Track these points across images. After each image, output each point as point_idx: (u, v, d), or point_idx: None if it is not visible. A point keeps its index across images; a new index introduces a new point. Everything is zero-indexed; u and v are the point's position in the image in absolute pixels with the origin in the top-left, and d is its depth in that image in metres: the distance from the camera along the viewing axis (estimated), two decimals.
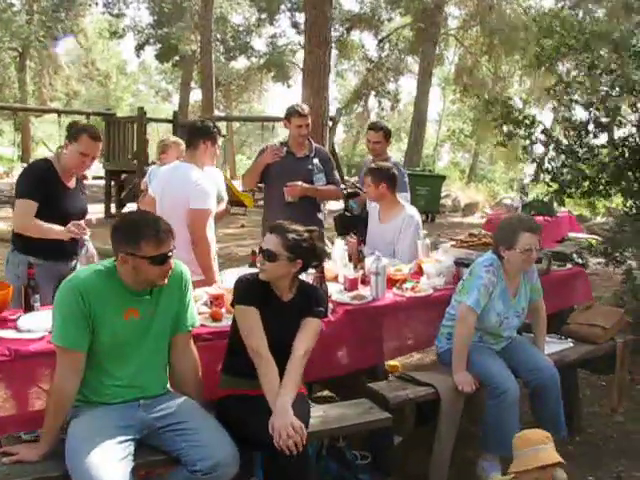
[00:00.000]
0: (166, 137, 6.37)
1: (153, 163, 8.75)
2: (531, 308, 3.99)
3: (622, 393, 4.49)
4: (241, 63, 32.98)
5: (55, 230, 3.84)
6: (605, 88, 6.12)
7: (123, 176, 15.61)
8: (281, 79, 30.42)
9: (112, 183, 15.44)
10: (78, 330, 2.70)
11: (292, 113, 5.23)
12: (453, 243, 4.72)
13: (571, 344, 4.28)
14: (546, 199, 7.35)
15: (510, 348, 3.93)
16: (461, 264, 4.31)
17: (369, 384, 3.64)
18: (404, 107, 35.27)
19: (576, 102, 6.15)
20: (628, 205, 6.29)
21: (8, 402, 2.85)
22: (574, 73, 6.93)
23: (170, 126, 15.75)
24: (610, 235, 6.55)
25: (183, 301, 2.99)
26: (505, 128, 6.86)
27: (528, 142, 6.74)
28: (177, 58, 27.78)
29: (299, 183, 5.11)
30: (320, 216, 5.56)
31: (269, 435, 2.71)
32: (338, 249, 4.50)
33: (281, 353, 2.99)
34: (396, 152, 36.43)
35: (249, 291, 3.05)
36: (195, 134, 4.36)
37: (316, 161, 5.32)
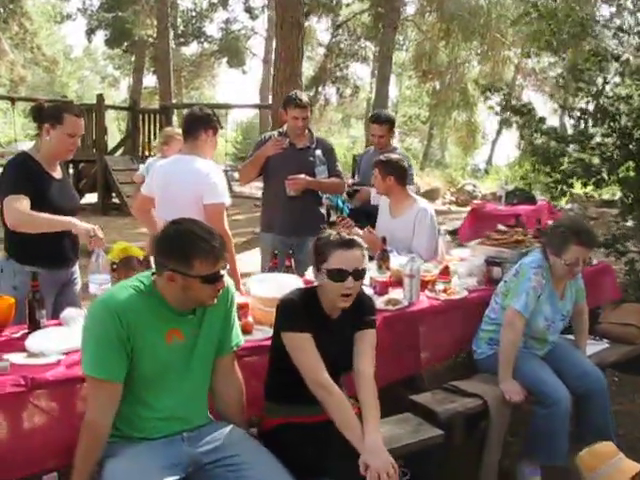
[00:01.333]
0: (170, 128, 5.91)
1: (147, 156, 8.29)
2: (574, 310, 3.75)
3: None
4: (192, 49, 32.22)
5: (61, 220, 3.35)
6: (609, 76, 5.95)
7: (81, 165, 14.95)
8: (236, 65, 29.82)
9: (70, 172, 14.74)
10: (115, 358, 2.32)
11: (289, 102, 4.85)
12: (480, 240, 4.43)
13: (607, 345, 4.07)
14: (538, 188, 7.16)
15: (553, 353, 3.68)
16: (492, 263, 4.05)
17: (412, 397, 3.35)
18: (354, 92, 34.99)
19: (583, 90, 5.91)
20: (621, 194, 6.11)
21: (25, 439, 2.46)
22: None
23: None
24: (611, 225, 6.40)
25: (229, 318, 2.63)
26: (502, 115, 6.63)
27: (527, 131, 6.53)
28: (127, 43, 26.91)
29: (302, 176, 4.77)
30: (322, 210, 5.24)
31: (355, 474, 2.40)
32: None
33: (336, 375, 2.68)
34: (346, 138, 36.26)
35: (300, 315, 2.67)
36: (195, 123, 3.97)
37: (318, 152, 4.96)
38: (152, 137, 15.22)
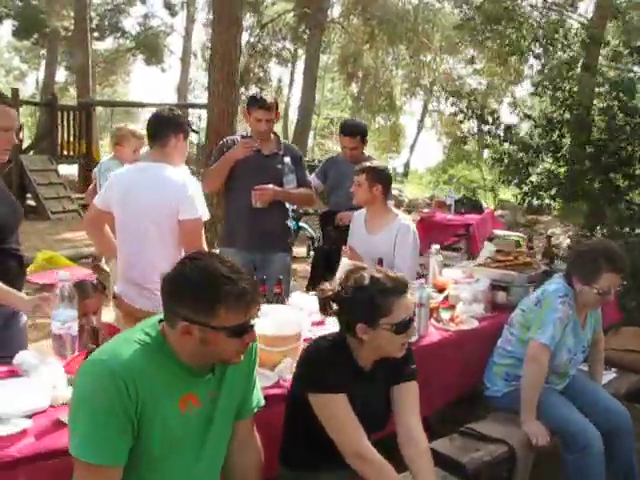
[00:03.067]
0: (122, 125, 5.25)
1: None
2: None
3: None
4: (107, 44, 30.90)
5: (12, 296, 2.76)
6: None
7: None
8: (154, 63, 28.78)
9: None
10: (118, 438, 1.77)
11: (252, 103, 4.38)
12: (482, 262, 4.08)
13: (615, 374, 3.80)
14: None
15: (572, 387, 3.36)
16: (497, 287, 3.71)
17: (430, 445, 2.95)
18: (276, 94, 34.61)
19: (558, 99, 5.70)
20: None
21: None
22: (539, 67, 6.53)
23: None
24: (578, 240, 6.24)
25: (252, 374, 2.15)
26: (467, 124, 6.37)
27: (492, 140, 6.29)
28: (37, 35, 25.46)
29: (270, 186, 4.30)
30: (289, 223, 4.80)
31: None
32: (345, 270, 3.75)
33: (368, 435, 2.25)
34: None
35: (332, 372, 2.22)
36: (163, 126, 3.42)
37: (287, 160, 4.51)
38: (71, 135, 14.33)
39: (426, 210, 9.03)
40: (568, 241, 9.90)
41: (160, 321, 1.93)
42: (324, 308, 2.38)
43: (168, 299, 1.86)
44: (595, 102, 5.70)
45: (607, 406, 3.30)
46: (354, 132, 5.06)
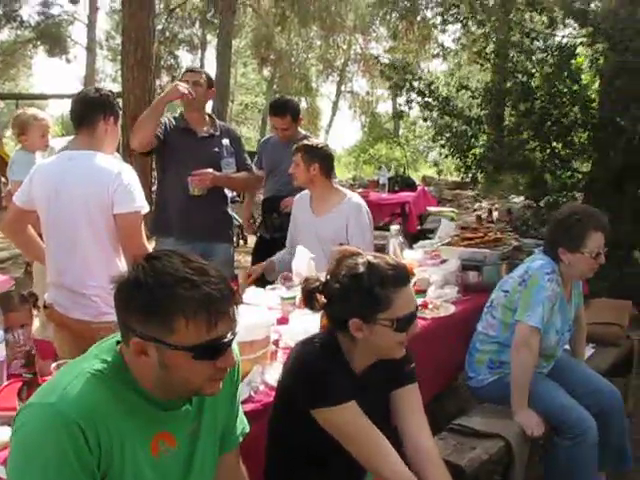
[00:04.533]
0: (21, 111, 4.64)
1: None
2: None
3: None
4: (4, 35, 29.21)
5: None
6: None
7: None
8: (58, 54, 27.37)
9: None
10: None
11: (185, 72, 4.05)
12: (448, 240, 3.81)
13: (593, 349, 3.61)
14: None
15: (559, 369, 3.14)
16: (468, 267, 3.45)
17: None
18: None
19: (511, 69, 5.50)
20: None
21: None
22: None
23: None
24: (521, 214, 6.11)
25: (235, 398, 1.77)
26: (405, 96, 6.11)
27: (429, 113, 6.05)
28: None
29: (209, 170, 3.91)
30: (230, 211, 4.41)
31: None
32: (302, 258, 3.42)
33: None
34: None
35: (338, 377, 1.89)
36: (91, 108, 2.95)
37: (226, 142, 4.13)
38: None
39: (360, 190, 8.77)
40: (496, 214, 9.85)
41: (117, 343, 1.54)
42: (310, 302, 2.04)
43: (119, 310, 1.46)
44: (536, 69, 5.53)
45: (598, 387, 3.10)
46: (283, 111, 4.66)
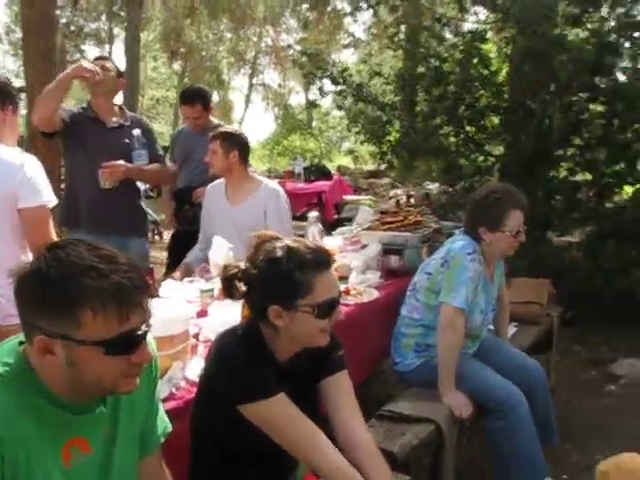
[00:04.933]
0: None
1: None
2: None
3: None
4: None
5: None
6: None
7: None
8: None
9: None
10: None
11: (93, 60, 3.86)
12: (367, 225, 3.76)
13: (515, 328, 3.64)
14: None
15: (484, 349, 3.14)
16: (389, 251, 3.41)
17: None
18: None
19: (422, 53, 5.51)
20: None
21: None
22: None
23: None
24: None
25: (153, 396, 1.64)
26: (318, 84, 6.05)
27: (343, 100, 6.02)
28: None
29: (121, 162, 3.74)
30: (142, 204, 4.24)
31: None
32: (220, 249, 3.30)
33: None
34: None
35: (264, 370, 1.80)
36: None
37: (137, 132, 3.94)
38: None
39: (276, 180, 8.69)
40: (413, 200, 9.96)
41: (21, 344, 1.39)
42: (229, 291, 1.93)
43: (20, 305, 1.31)
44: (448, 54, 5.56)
45: (523, 364, 3.11)
46: (193, 99, 4.52)
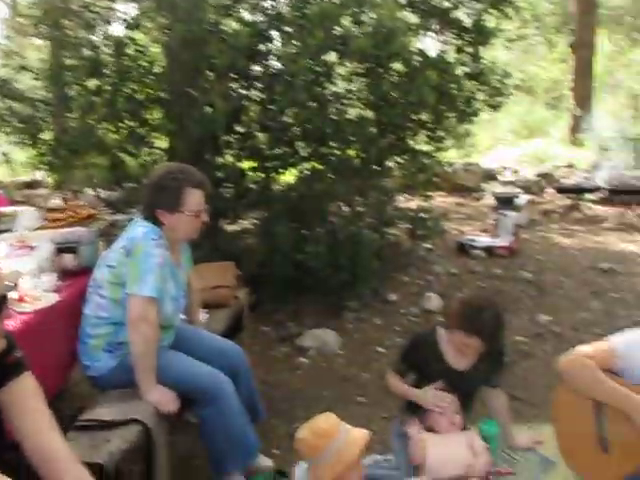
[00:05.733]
0: None
1: None
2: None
3: None
4: None
5: None
6: None
7: None
8: None
9: None
10: None
11: None
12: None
13: (207, 314, 3.54)
14: None
15: (180, 338, 3.00)
16: (64, 250, 3.09)
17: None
18: None
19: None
20: None
21: None
22: None
23: None
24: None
25: None
26: None
27: None
28: None
29: None
30: None
31: None
32: None
33: None
34: None
35: None
36: None
37: None
38: None
39: None
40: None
41: None
42: None
43: None
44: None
45: (222, 348, 3.05)
46: None
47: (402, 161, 5.97)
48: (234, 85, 5.22)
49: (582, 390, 2.56)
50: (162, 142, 5.72)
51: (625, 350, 2.54)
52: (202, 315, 3.46)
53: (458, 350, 2.99)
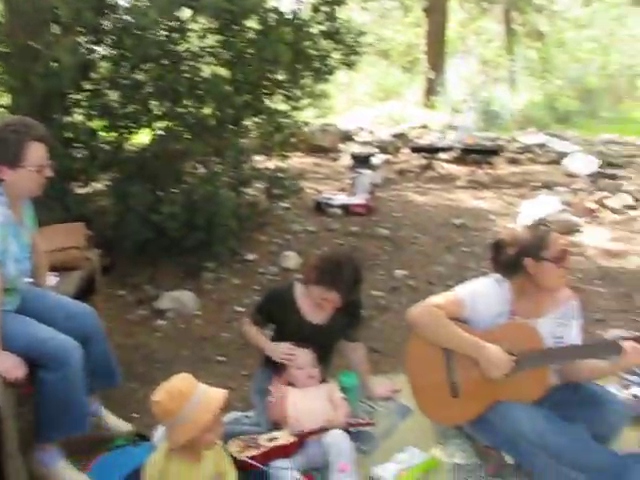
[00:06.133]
0: None
1: None
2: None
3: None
4: None
5: None
6: None
7: None
8: None
9: None
10: None
11: None
12: None
13: (57, 277, 3.40)
14: None
15: (25, 302, 2.85)
16: None
17: None
18: None
19: None
20: None
21: None
22: None
23: None
24: None
25: None
26: None
27: None
28: None
29: None
30: None
31: None
32: None
33: None
34: None
35: None
36: None
37: None
38: None
39: None
40: None
41: None
42: None
43: None
44: None
45: (73, 312, 2.92)
46: None
47: (259, 120, 5.94)
48: (82, 39, 4.97)
49: (432, 338, 2.71)
50: (4, 99, 5.37)
51: (470, 300, 2.72)
52: (51, 279, 3.32)
53: (316, 305, 3.06)
